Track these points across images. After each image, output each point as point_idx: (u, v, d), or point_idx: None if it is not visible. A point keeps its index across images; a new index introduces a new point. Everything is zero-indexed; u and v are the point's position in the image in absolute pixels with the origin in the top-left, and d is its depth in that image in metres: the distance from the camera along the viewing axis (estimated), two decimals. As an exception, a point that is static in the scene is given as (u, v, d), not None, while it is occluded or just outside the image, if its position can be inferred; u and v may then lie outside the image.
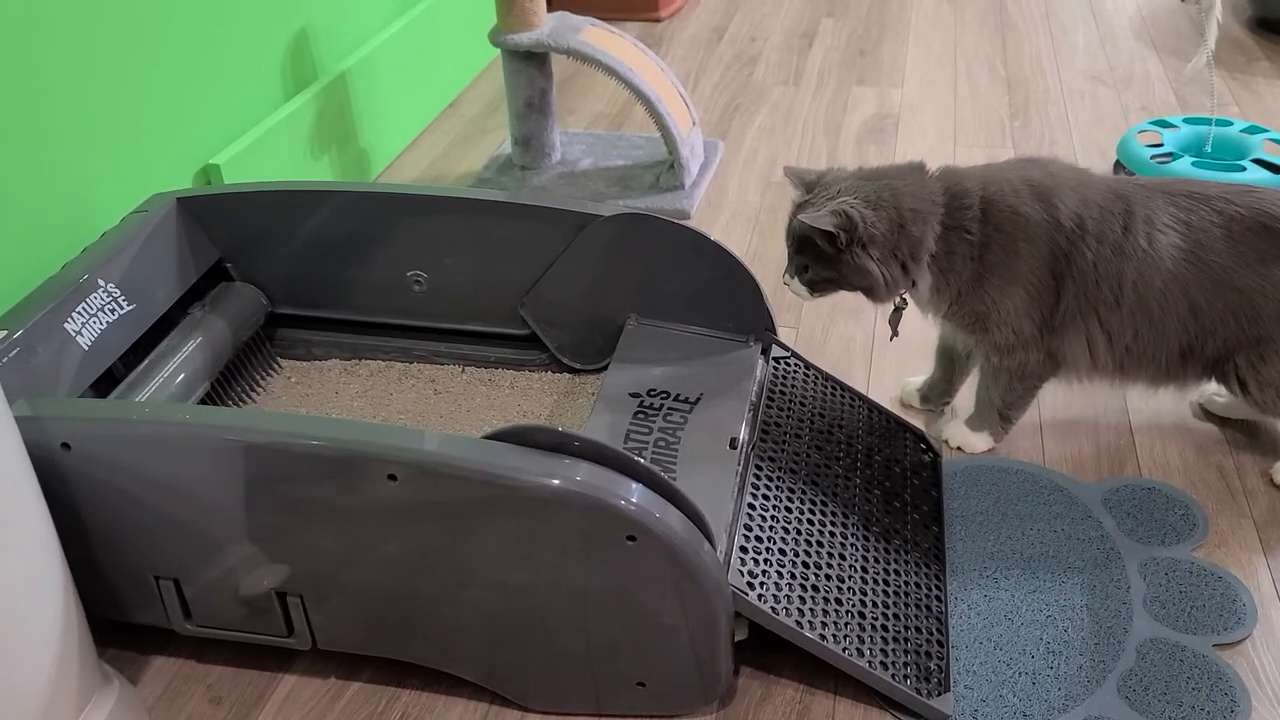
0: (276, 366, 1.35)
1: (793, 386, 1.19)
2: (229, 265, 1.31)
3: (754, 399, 1.14)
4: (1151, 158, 1.66)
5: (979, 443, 1.24)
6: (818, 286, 1.12)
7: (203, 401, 1.20)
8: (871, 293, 1.10)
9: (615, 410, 1.12)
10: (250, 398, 1.29)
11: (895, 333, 1.21)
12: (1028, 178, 1.11)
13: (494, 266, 1.27)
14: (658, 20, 2.53)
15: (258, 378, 1.31)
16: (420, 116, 2.08)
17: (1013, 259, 1.09)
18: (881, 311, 1.49)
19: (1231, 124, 1.73)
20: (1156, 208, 1.10)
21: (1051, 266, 1.10)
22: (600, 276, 1.23)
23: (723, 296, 1.20)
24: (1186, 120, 1.76)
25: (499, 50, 1.78)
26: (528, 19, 1.73)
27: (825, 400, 1.20)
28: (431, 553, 0.90)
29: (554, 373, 1.31)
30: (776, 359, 1.21)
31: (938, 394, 1.30)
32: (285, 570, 0.94)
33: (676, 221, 1.19)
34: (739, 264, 1.18)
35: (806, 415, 1.17)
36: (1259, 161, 1.63)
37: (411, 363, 1.34)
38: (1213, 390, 1.26)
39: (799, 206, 1.13)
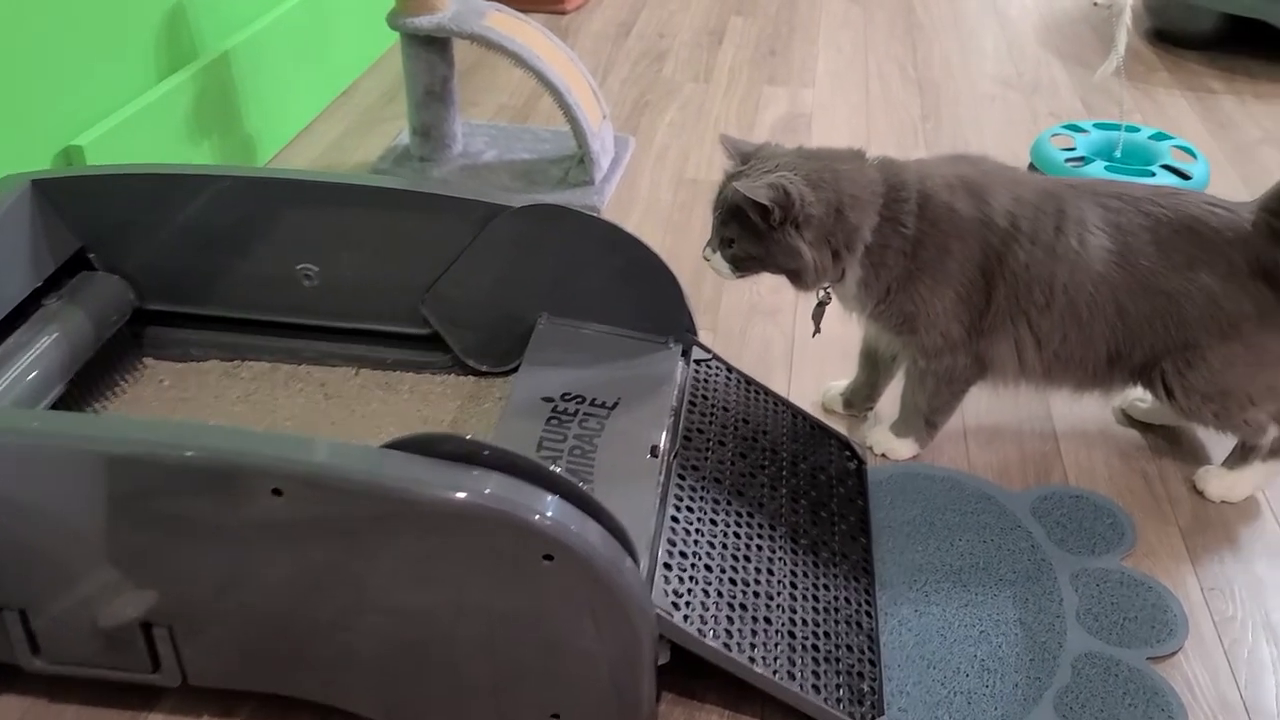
0: (145, 368, 1.22)
1: (714, 391, 1.13)
2: (92, 255, 1.18)
3: (675, 404, 1.07)
4: (1065, 161, 1.65)
5: (904, 449, 1.20)
6: (741, 265, 1.05)
7: (57, 406, 1.07)
8: (798, 278, 1.04)
9: (526, 416, 1.04)
10: (114, 403, 1.16)
11: (817, 329, 1.15)
12: (962, 174, 1.07)
13: (393, 260, 1.17)
14: (563, 13, 2.45)
15: (123, 380, 1.18)
16: (312, 103, 1.96)
17: (945, 257, 1.05)
18: (802, 312, 1.44)
19: (1140, 130, 1.74)
20: (1087, 209, 1.07)
21: (983, 266, 1.05)
22: (509, 272, 1.15)
23: (640, 294, 1.13)
24: (1097, 125, 1.76)
25: (398, 35, 1.67)
26: (428, 2, 1.63)
27: (748, 405, 1.14)
28: (322, 575, 0.81)
29: (458, 375, 1.22)
30: (697, 361, 1.14)
31: (861, 399, 1.25)
32: (151, 598, 0.83)
33: (591, 214, 1.11)
34: (657, 260, 1.11)
35: (729, 421, 1.10)
36: (1167, 168, 1.64)
37: (300, 364, 1.23)
38: (1135, 395, 1.24)
39: (732, 176, 1.06)
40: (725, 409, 1.11)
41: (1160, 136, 1.73)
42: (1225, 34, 2.20)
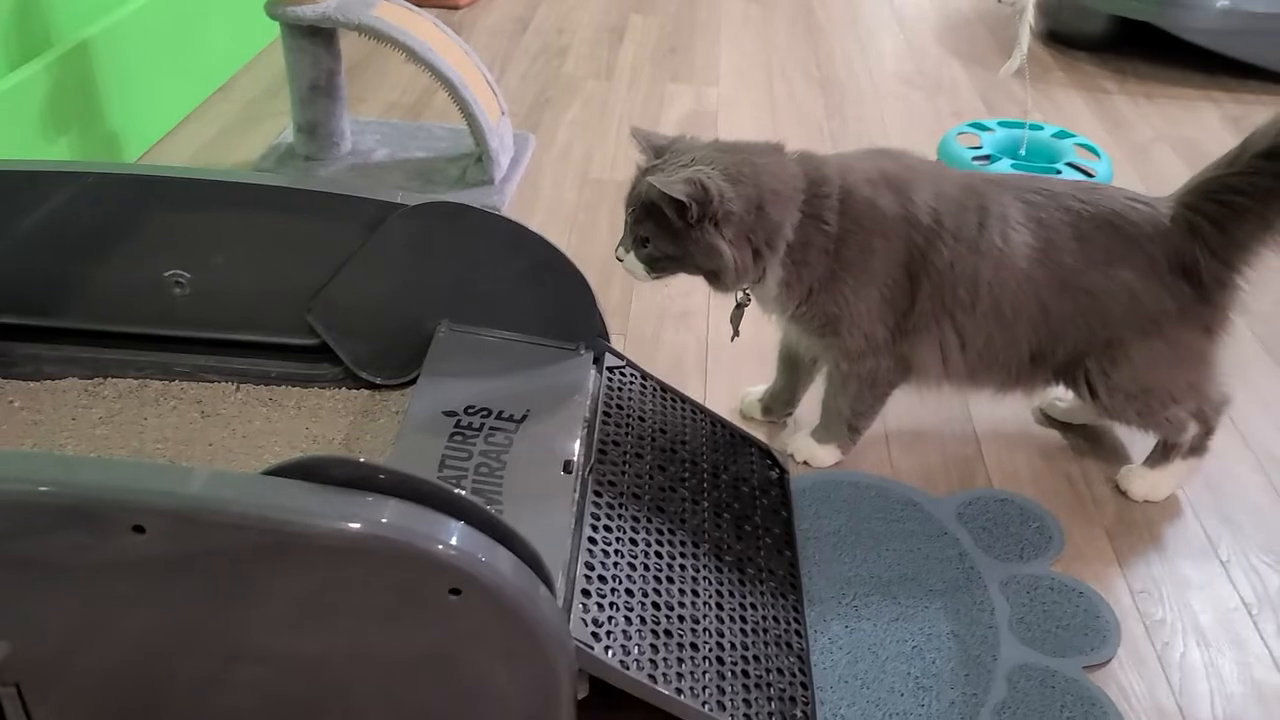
0: (-4, 388, 1.09)
1: (629, 400, 1.06)
2: (-73, 263, 1.05)
3: (588, 415, 1.00)
4: (972, 159, 1.63)
5: (826, 456, 1.15)
6: (657, 265, 0.99)
7: (-113, 434, 0.94)
8: (718, 278, 0.98)
9: (427, 431, 0.95)
10: (-41, 427, 1.03)
11: (736, 332, 1.10)
12: (883, 169, 1.02)
13: (275, 265, 1.07)
14: (455, 8, 2.36)
15: (-32, 402, 1.06)
16: (184, 99, 1.82)
17: (868, 256, 1.00)
18: (716, 316, 1.38)
19: (1043, 128, 1.73)
20: (1009, 204, 1.04)
21: (907, 265, 1.01)
22: (404, 276, 1.06)
23: (548, 299, 1.05)
24: (1001, 124, 1.75)
25: (278, 28, 1.56)
26: (312, -11, 1.52)
27: (665, 414, 1.07)
28: (194, 622, 0.71)
29: (349, 389, 1.12)
30: (610, 369, 1.07)
31: (780, 404, 1.20)
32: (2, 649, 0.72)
33: (493, 212, 1.03)
34: (566, 262, 1.04)
35: (646, 432, 1.03)
36: (1071, 165, 1.63)
37: (172, 380, 1.12)
38: (1054, 395, 1.22)
39: (645, 171, 0.99)
40: (641, 418, 1.04)
41: (1063, 135, 1.73)
42: (1116, 36, 2.24)
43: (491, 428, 0.96)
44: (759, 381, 1.23)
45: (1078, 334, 1.05)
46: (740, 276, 0.98)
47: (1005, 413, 1.23)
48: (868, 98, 2.04)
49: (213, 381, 1.12)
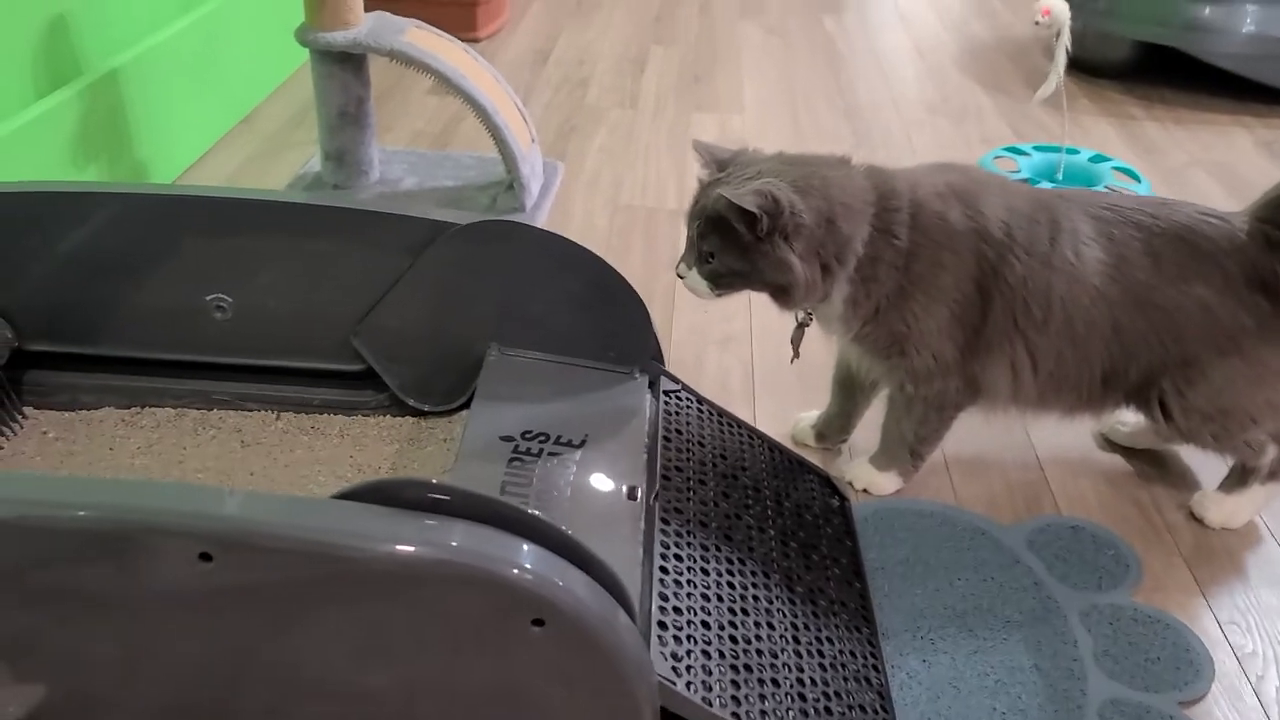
0: (25, 419, 1.05)
1: (687, 424, 1.02)
2: (-40, 288, 1.01)
3: (648, 440, 0.96)
4: (1012, 183, 1.61)
5: (887, 483, 1.11)
6: (722, 281, 0.95)
7: (-81, 464, 0.90)
8: (786, 294, 0.95)
9: (484, 458, 0.91)
10: (-10, 458, 0.99)
11: (796, 353, 1.06)
12: (952, 183, 0.99)
13: (320, 288, 1.03)
14: (476, 40, 2.34)
15: None
16: (211, 127, 1.80)
17: (938, 271, 0.97)
18: (760, 339, 1.35)
19: (1079, 152, 1.71)
20: (1079, 219, 1.00)
21: (978, 281, 0.98)
22: (454, 298, 1.02)
23: (602, 320, 1.02)
24: (1037, 148, 1.73)
25: (306, 56, 1.54)
26: (343, 15, 1.50)
27: (724, 440, 1.03)
28: (256, 656, 0.66)
29: (394, 416, 1.08)
30: (666, 392, 1.03)
31: (835, 430, 1.16)
32: (39, 692, 0.68)
33: (545, 230, 1.00)
34: (621, 281, 1.00)
35: (706, 457, 0.99)
36: (1110, 189, 1.61)
37: (211, 409, 1.08)
38: (1116, 419, 1.18)
39: (709, 184, 0.96)
40: (701, 444, 1.00)
41: (1099, 159, 1.70)
42: (1140, 62, 2.23)
43: (550, 453, 0.92)
44: (807, 406, 1.19)
45: (1152, 353, 1.01)
46: (809, 292, 0.94)
47: (1067, 438, 1.19)
48: (894, 125, 2.02)
49: (253, 410, 1.08)
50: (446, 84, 1.52)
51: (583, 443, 0.94)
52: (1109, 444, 1.20)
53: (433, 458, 1.03)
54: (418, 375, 1.06)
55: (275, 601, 0.65)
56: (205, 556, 0.62)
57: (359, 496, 0.65)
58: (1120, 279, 0.99)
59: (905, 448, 1.08)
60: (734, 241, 0.92)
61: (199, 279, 1.03)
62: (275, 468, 1.02)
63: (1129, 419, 1.17)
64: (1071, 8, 1.55)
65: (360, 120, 1.60)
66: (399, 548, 0.63)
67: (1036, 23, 1.57)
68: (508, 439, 0.93)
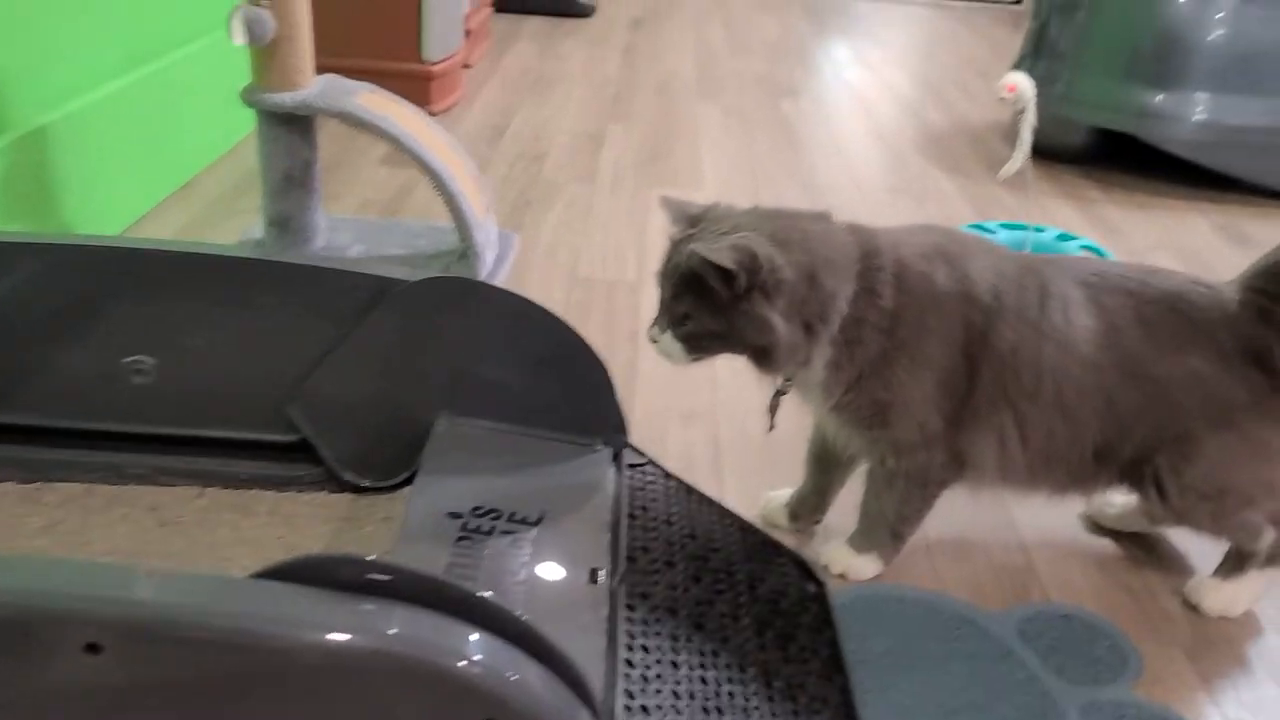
0: (-85, 492, 0.94)
1: (654, 502, 0.94)
2: None
3: (611, 518, 0.87)
4: (980, 259, 1.57)
5: (866, 567, 1.03)
6: (698, 344, 0.88)
7: None
8: (766, 356, 0.88)
9: (428, 535, 0.82)
10: None
11: (772, 424, 0.99)
12: (936, 243, 0.94)
13: (253, 349, 0.95)
14: (430, 115, 2.29)
15: (-119, 507, 0.90)
16: (148, 193, 1.71)
17: (924, 336, 0.91)
18: (725, 415, 1.28)
19: (1045, 230, 1.69)
20: (1068, 285, 0.95)
21: (965, 347, 0.92)
22: (401, 362, 0.94)
23: (564, 388, 0.94)
24: (1003, 226, 1.71)
25: (254, 123, 1.47)
26: (291, 76, 1.44)
27: (693, 518, 0.95)
28: (155, 770, 0.56)
29: (330, 493, 0.99)
30: (631, 466, 0.95)
31: (809, 510, 1.09)
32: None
33: (503, 289, 0.93)
34: (584, 346, 0.93)
35: (675, 537, 0.91)
36: (1080, 267, 1.58)
37: (124, 484, 0.97)
38: (1103, 500, 1.12)
39: (680, 242, 0.90)
40: (669, 522, 0.92)
41: (1065, 237, 1.68)
42: (1097, 147, 2.24)
43: (503, 531, 0.83)
44: (777, 484, 1.12)
45: (1146, 427, 0.95)
46: (791, 354, 0.88)
47: (1053, 519, 1.13)
48: (857, 204, 2.00)
49: (172, 485, 0.97)
50: (400, 148, 1.46)
51: (539, 520, 0.85)
52: (1097, 527, 1.13)
53: (372, 538, 0.94)
54: (358, 447, 0.97)
55: (181, 702, 0.55)
56: (93, 648, 0.52)
57: (284, 575, 0.56)
58: (1112, 348, 0.94)
59: (886, 528, 1.01)
60: (709, 301, 0.86)
61: (115, 339, 0.94)
62: (195, 549, 0.91)
63: (1117, 500, 1.11)
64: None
65: (306, 185, 1.53)
66: (330, 635, 0.54)
67: (1002, 99, 1.56)
68: (455, 516, 0.84)
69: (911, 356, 0.90)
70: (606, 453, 0.94)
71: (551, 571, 0.80)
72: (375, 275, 0.92)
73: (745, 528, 0.99)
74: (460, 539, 0.82)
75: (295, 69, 1.44)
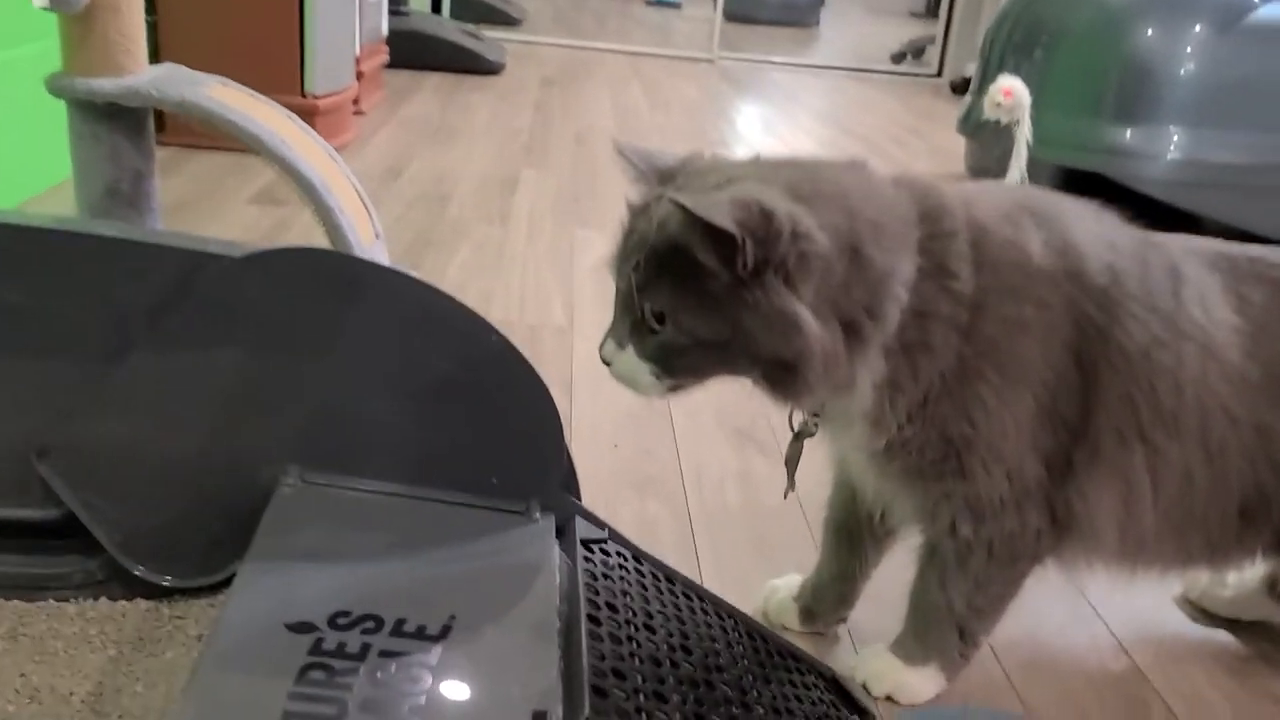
0: None
1: (624, 596, 0.61)
2: None
3: (562, 624, 0.54)
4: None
5: (924, 684, 0.71)
6: (679, 361, 0.57)
7: None
8: (788, 376, 0.57)
9: (255, 667, 0.48)
10: None
11: (792, 484, 0.68)
12: (1019, 201, 0.65)
13: (-18, 372, 0.60)
14: (314, 157, 1.97)
15: None
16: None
17: (1018, 335, 0.61)
18: (695, 481, 0.96)
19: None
20: (1198, 268, 0.68)
21: (1078, 351, 0.62)
22: (222, 388, 0.61)
23: (484, 426, 0.61)
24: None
25: (68, 124, 1.13)
26: (115, 57, 1.10)
27: (683, 621, 0.63)
28: None
29: (111, 599, 0.63)
30: (588, 545, 0.62)
31: (830, 604, 0.77)
32: None
33: (394, 270, 0.61)
34: (515, 359, 0.61)
35: (661, 653, 0.58)
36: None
37: None
38: (1215, 580, 0.83)
39: (647, 206, 0.59)
40: (649, 628, 0.59)
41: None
42: (1066, 188, 2.04)
43: (384, 652, 0.49)
44: (776, 569, 0.81)
45: (1313, 469, 0.67)
46: (829, 369, 0.57)
47: (1141, 607, 0.83)
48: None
49: None
50: (259, 148, 1.13)
51: (444, 632, 0.51)
52: (1204, 614, 0.84)
53: (174, 668, 0.59)
54: (155, 524, 0.62)
55: None
56: None
57: None
58: (1261, 357, 0.66)
59: (951, 626, 0.69)
60: (697, 289, 0.55)
61: None
62: None
63: (1230, 579, 0.83)
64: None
65: (137, 203, 1.17)
66: None
67: (998, 104, 1.33)
68: (303, 628, 0.50)
69: (1001, 368, 0.61)
70: (548, 523, 0.61)
71: (468, 717, 0.47)
72: (180, 248, 0.59)
73: (755, 632, 0.67)
74: (308, 669, 0.48)
75: (121, 49, 1.10)
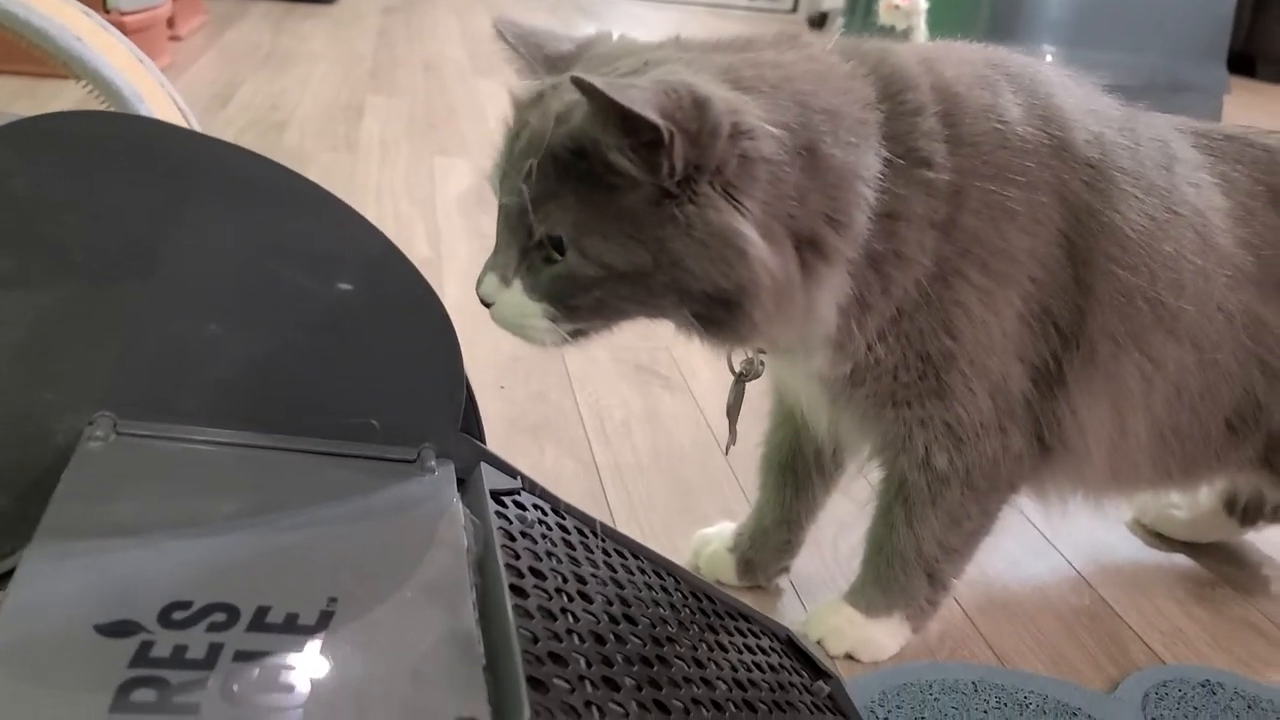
0: None
1: (551, 555, 0.48)
2: None
3: (477, 597, 0.42)
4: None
5: (888, 638, 0.62)
6: (584, 297, 0.46)
7: None
8: (735, 310, 0.45)
9: (50, 687, 0.33)
10: None
11: (733, 435, 0.57)
12: (992, 61, 0.55)
13: None
14: (126, 83, 1.73)
15: None
16: None
17: (1004, 224, 0.51)
18: (597, 424, 0.84)
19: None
20: (1182, 145, 0.59)
21: (1070, 239, 0.53)
22: (-6, 310, 0.45)
23: (352, 347, 0.48)
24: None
25: None
26: None
27: (620, 585, 0.51)
28: None
29: None
30: (498, 497, 0.49)
31: (772, 553, 0.67)
32: None
33: (217, 139, 0.46)
34: (399, 261, 0.47)
35: (604, 623, 0.46)
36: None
37: None
38: (1166, 502, 0.77)
39: (537, 98, 0.47)
40: (584, 595, 0.47)
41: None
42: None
43: (242, 654, 0.36)
44: (703, 518, 0.70)
45: (1305, 371, 0.60)
46: (781, 302, 0.45)
47: (1089, 532, 0.76)
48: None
49: None
50: (52, 48, 0.94)
51: (323, 621, 0.38)
52: (1159, 538, 0.78)
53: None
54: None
55: None
56: None
57: None
58: (1251, 243, 0.59)
59: (919, 569, 0.60)
60: (609, 204, 0.43)
61: None
62: None
63: (1181, 499, 0.77)
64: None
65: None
66: None
67: (896, 6, 1.24)
68: (121, 630, 0.36)
69: (986, 267, 0.50)
70: (446, 472, 0.48)
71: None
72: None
73: (699, 591, 0.56)
74: (132, 684, 0.34)
75: None
